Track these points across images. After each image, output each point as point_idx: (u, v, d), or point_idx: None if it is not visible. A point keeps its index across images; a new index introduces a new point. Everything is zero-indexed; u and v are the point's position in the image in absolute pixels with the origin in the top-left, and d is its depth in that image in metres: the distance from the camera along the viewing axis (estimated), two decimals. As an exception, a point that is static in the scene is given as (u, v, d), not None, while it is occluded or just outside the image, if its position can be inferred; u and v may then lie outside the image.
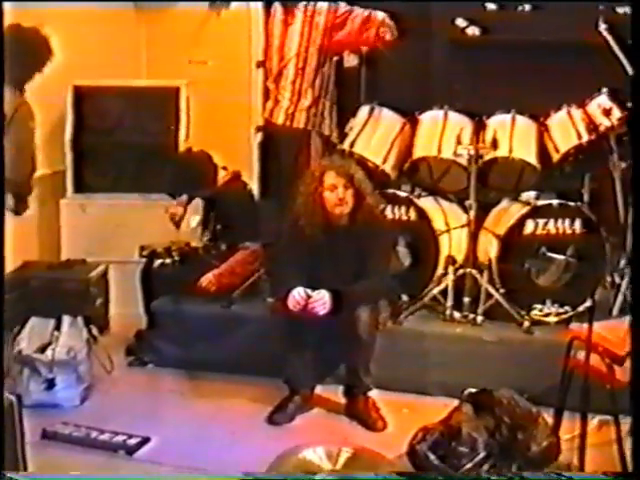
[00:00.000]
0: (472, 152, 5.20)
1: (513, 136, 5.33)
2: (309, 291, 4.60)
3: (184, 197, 5.71)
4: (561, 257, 5.34)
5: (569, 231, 5.30)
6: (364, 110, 5.65)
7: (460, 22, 6.41)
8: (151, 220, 6.27)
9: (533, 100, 5.74)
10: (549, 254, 5.33)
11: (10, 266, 5.76)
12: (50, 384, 4.94)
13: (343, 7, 5.31)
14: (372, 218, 4.78)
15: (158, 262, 5.63)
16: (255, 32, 6.98)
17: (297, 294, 4.59)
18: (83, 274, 5.73)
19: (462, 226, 5.47)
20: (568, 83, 5.72)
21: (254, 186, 6.28)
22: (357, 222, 4.76)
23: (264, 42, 5.85)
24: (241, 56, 7.05)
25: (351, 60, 5.81)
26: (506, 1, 6.04)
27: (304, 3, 5.30)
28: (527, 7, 6.29)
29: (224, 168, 5.75)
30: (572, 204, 5.35)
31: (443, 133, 5.39)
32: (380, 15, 5.24)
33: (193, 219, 5.87)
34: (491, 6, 6.35)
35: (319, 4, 5.27)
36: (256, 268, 5.56)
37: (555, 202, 5.35)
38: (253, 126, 6.84)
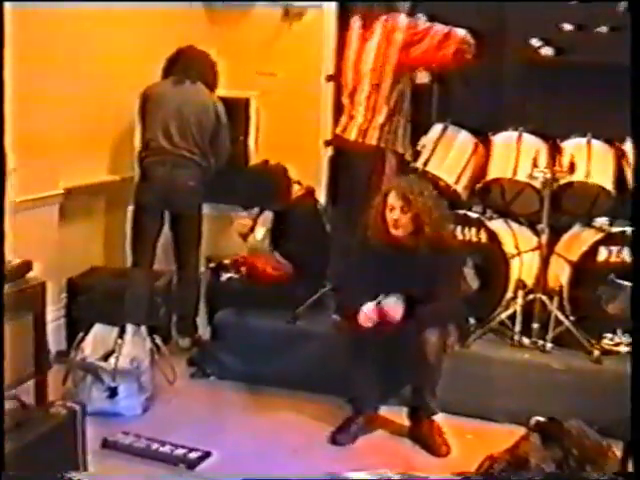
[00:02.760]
0: (548, 176, 5.10)
1: (590, 160, 5.23)
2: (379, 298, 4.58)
3: (255, 209, 5.68)
4: (630, 284, 5.22)
5: (644, 260, 5.17)
6: (437, 128, 5.60)
7: (535, 42, 6.35)
8: (218, 231, 6.29)
9: (608, 124, 5.63)
10: (618, 281, 5.22)
11: (78, 270, 5.85)
12: (112, 392, 4.92)
13: (423, 23, 5.21)
14: (439, 241, 4.68)
15: (226, 276, 5.60)
16: (326, 46, 6.99)
17: (367, 309, 4.55)
18: (148, 282, 5.73)
19: (532, 250, 5.39)
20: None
21: (322, 200, 6.26)
22: (422, 244, 4.68)
23: (340, 57, 5.79)
24: (310, 69, 7.03)
25: (422, 77, 5.73)
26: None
27: (384, 17, 5.19)
28: (604, 28, 6.21)
29: (298, 182, 5.72)
30: (647, 231, 5.22)
31: (518, 155, 5.31)
32: (461, 32, 5.12)
33: (259, 232, 5.85)
34: (568, 27, 6.27)
35: (399, 20, 5.17)
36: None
37: (629, 229, 5.23)
38: (322, 140, 6.82)
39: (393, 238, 4.70)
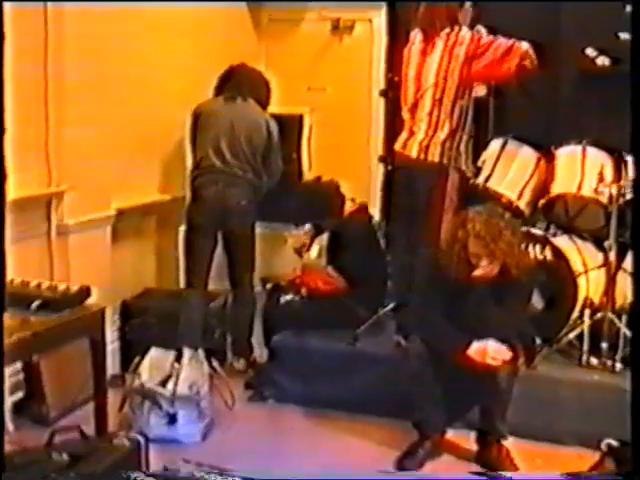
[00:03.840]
0: (615, 190, 4.95)
1: (658, 174, 5.08)
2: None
3: (310, 227, 5.59)
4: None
5: None
6: (497, 143, 5.49)
7: (590, 52, 6.21)
8: (271, 249, 6.19)
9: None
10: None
11: (131, 292, 5.77)
12: (172, 419, 4.81)
13: (486, 36, 5.05)
14: (519, 271, 4.54)
15: (285, 298, 5.49)
16: (376, 59, 6.89)
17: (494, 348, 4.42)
18: (203, 304, 5.63)
19: (599, 267, 5.23)
20: None
21: (377, 216, 6.15)
22: (503, 278, 4.55)
23: (393, 70, 5.69)
24: (361, 84, 6.95)
25: (479, 90, 5.57)
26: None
27: (446, 31, 5.05)
28: (662, 36, 6.05)
29: (352, 199, 5.62)
30: None
31: (584, 170, 5.19)
32: (524, 45, 4.95)
33: (314, 249, 5.76)
34: (625, 36, 6.13)
35: (462, 33, 5.02)
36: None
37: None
38: (375, 156, 6.72)
39: (474, 278, 4.54)
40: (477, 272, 4.49)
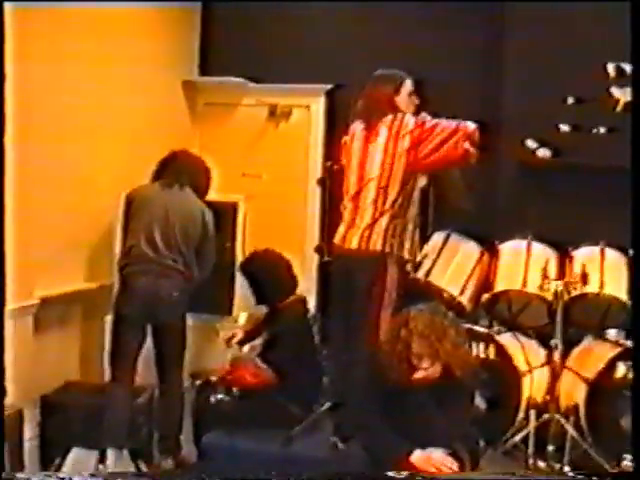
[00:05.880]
0: (560, 288, 4.82)
1: (604, 270, 4.97)
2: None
3: (244, 319, 5.37)
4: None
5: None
6: (439, 237, 5.34)
7: (530, 143, 6.15)
8: (204, 342, 5.94)
9: (616, 230, 5.39)
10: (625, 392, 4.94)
11: (51, 386, 5.44)
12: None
13: (430, 120, 4.88)
14: (463, 372, 4.32)
15: (216, 398, 5.21)
16: (313, 147, 6.76)
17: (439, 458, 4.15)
18: (129, 400, 5.33)
19: (542, 365, 5.09)
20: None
21: (313, 309, 5.96)
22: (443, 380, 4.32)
23: (331, 159, 5.55)
24: (298, 171, 6.80)
25: (420, 181, 5.42)
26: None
27: (390, 117, 4.89)
28: (602, 129, 6.02)
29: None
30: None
31: (527, 265, 5.08)
32: (471, 125, 4.82)
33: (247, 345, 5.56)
34: (565, 127, 6.08)
35: (406, 118, 4.85)
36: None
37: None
38: (310, 246, 6.53)
39: (415, 380, 4.30)
40: (419, 374, 4.26)
